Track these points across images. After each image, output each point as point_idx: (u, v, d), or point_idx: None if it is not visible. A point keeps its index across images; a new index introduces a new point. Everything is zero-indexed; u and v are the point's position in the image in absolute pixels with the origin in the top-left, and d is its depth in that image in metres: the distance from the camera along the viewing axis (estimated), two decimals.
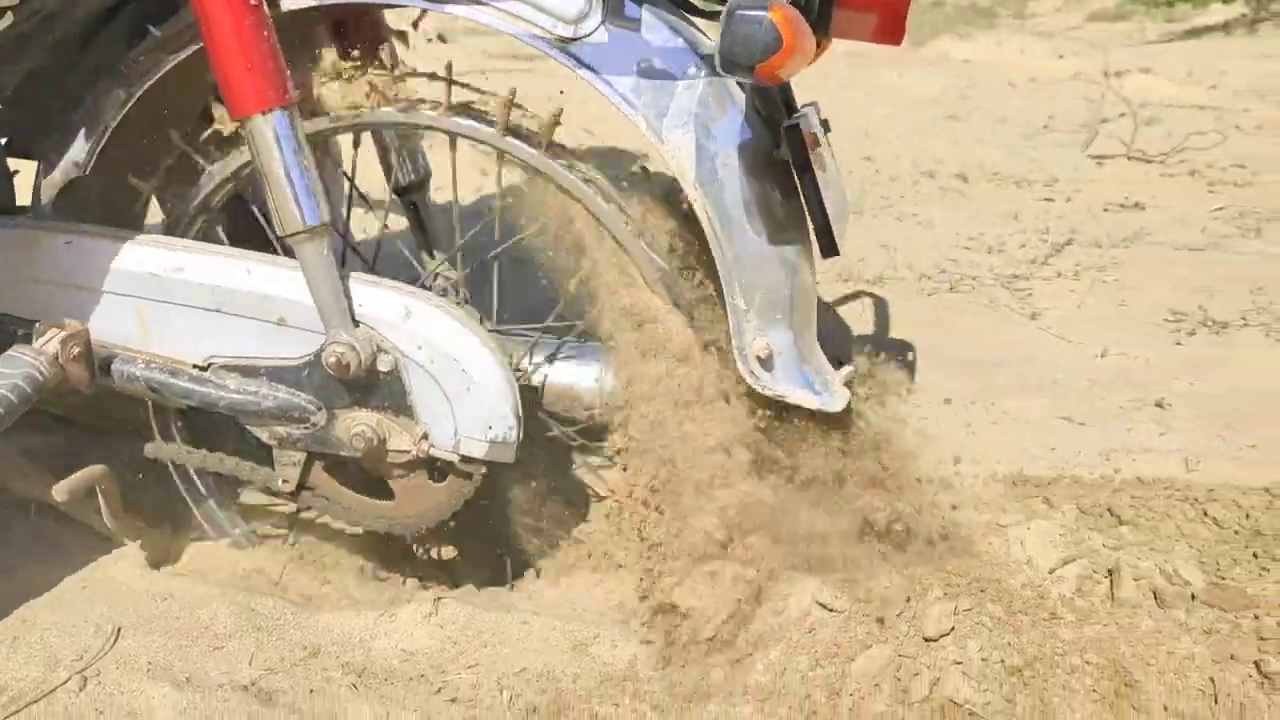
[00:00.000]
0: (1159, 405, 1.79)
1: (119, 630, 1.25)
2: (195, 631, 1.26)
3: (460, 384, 1.17)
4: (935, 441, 1.68)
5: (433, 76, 1.23)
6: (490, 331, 1.23)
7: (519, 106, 1.19)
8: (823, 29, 1.09)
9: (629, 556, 1.29)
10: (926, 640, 1.23)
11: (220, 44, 1.07)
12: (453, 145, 1.23)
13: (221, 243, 1.28)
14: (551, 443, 1.33)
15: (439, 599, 1.29)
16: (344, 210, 1.45)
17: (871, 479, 1.29)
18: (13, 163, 1.34)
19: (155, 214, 1.30)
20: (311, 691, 1.19)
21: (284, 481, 1.29)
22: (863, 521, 1.28)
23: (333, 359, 1.16)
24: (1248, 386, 1.85)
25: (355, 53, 1.22)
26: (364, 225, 1.88)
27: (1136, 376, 1.89)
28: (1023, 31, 6.23)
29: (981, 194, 3.10)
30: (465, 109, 1.20)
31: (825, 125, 1.18)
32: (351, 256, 1.42)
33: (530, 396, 1.26)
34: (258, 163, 1.13)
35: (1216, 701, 1.14)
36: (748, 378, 1.18)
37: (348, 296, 1.17)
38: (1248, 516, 1.40)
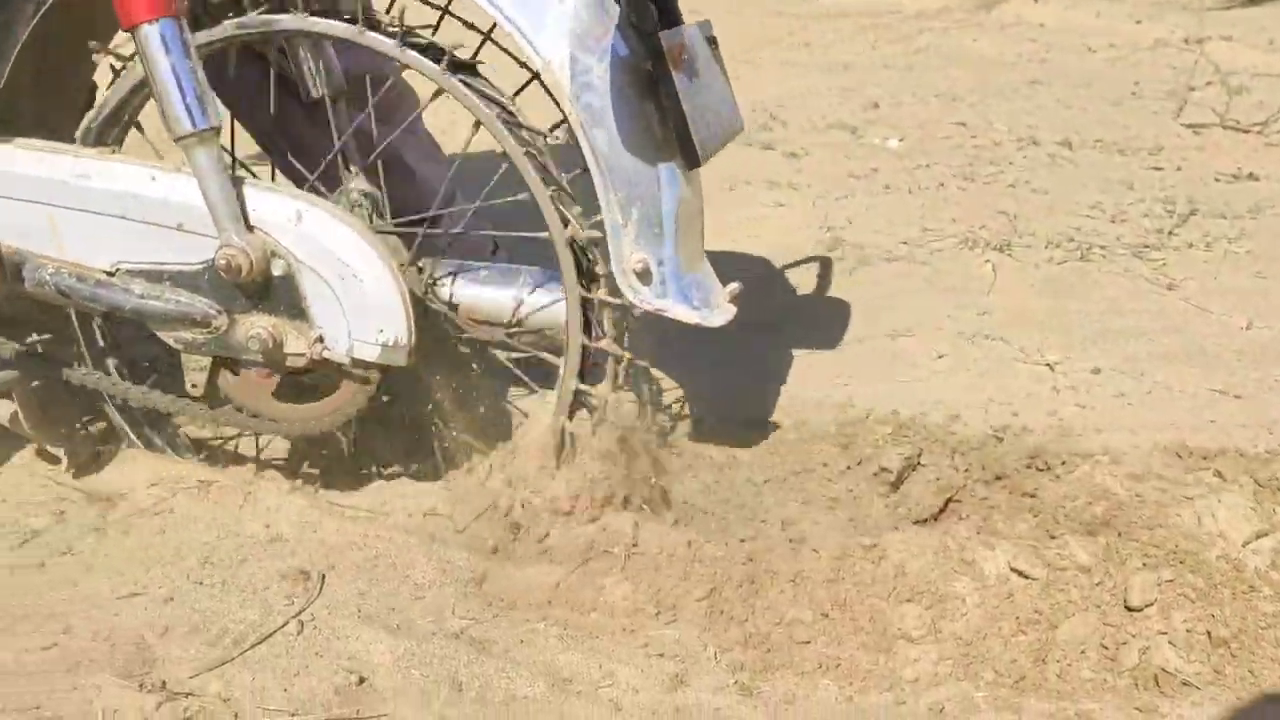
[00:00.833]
0: None
1: (324, 576, 1.27)
2: (395, 579, 1.28)
3: (351, 287, 1.17)
4: (1091, 411, 1.68)
5: None
6: (379, 233, 1.23)
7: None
8: None
9: None
10: (1130, 610, 1.23)
11: None
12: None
13: None
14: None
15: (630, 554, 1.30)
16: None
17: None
18: None
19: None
20: (521, 641, 1.21)
21: (192, 385, 1.33)
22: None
23: (223, 261, 1.17)
24: None
25: None
26: None
27: None
28: None
29: (1089, 161, 3.05)
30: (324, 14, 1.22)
31: (712, 41, 1.20)
32: None
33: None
34: (146, 69, 1.14)
35: None
36: (626, 292, 1.18)
37: (241, 201, 1.18)
38: None
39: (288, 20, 1.22)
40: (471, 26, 1.28)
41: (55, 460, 1.43)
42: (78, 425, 1.46)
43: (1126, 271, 2.19)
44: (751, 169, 2.96)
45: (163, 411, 1.41)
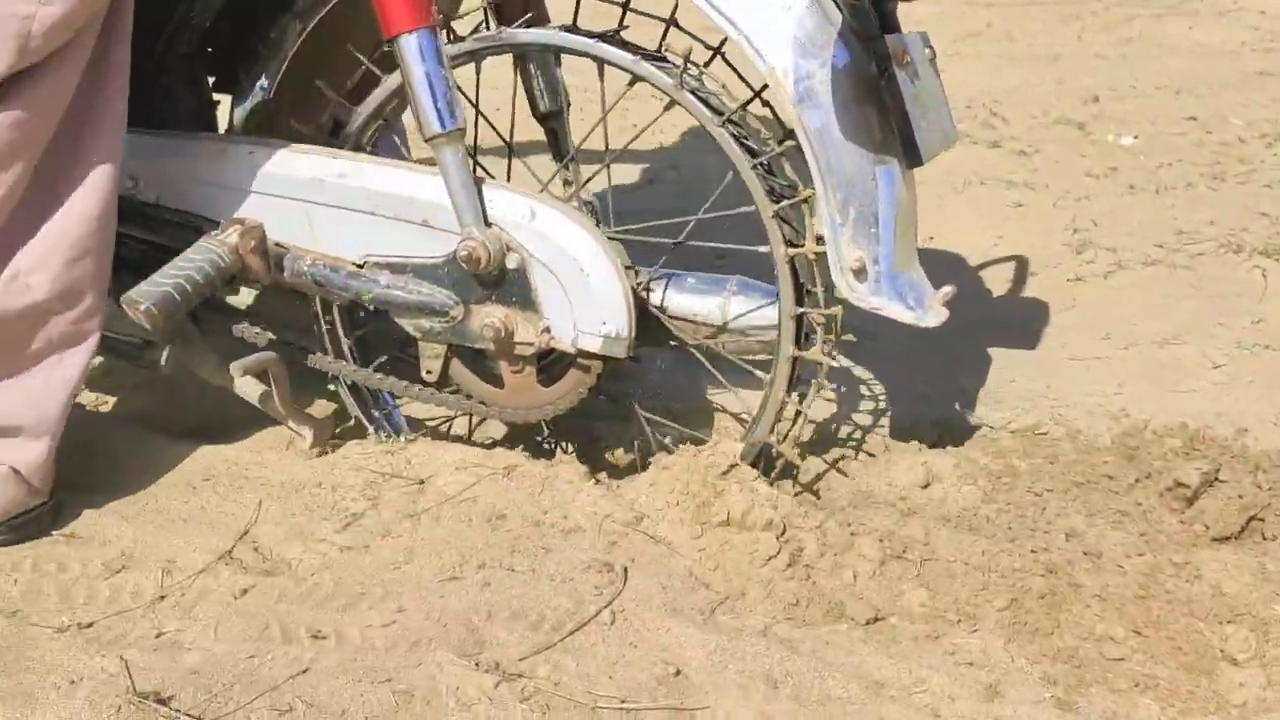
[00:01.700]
0: None
1: (626, 569, 1.32)
2: (681, 574, 1.31)
3: (578, 282, 1.27)
4: None
5: None
6: (609, 237, 1.31)
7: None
8: None
9: None
10: None
11: None
12: (601, 73, 1.35)
13: None
14: None
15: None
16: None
17: None
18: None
19: None
20: (826, 643, 1.23)
21: (428, 372, 1.42)
22: None
23: (464, 253, 1.28)
24: None
25: None
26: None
27: None
28: None
29: None
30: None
31: (931, 50, 1.25)
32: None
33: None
34: (404, 75, 1.25)
35: None
36: (843, 289, 1.23)
37: (480, 199, 1.29)
38: None
39: (526, 34, 1.33)
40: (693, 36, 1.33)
41: (302, 438, 1.53)
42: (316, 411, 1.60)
43: None
44: (981, 168, 2.90)
45: (397, 395, 1.50)
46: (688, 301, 1.38)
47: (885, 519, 1.37)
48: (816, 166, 1.20)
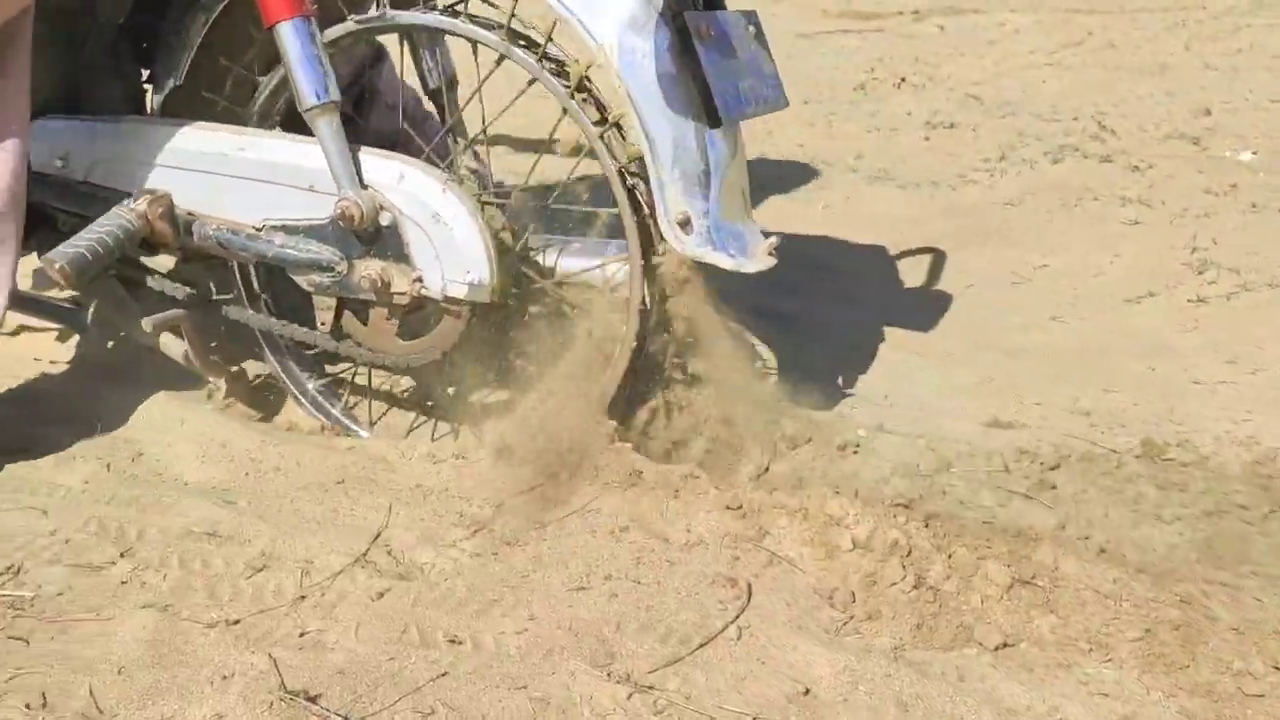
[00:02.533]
0: None
1: (750, 585, 1.32)
2: (816, 597, 1.31)
3: (444, 236, 1.40)
4: None
5: None
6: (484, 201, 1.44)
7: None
8: None
9: None
10: None
11: None
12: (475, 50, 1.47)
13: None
14: None
15: None
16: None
17: None
18: None
19: None
20: (955, 666, 1.22)
21: (321, 324, 1.55)
22: None
23: (339, 211, 1.41)
24: None
25: None
26: None
27: None
28: None
29: None
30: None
31: (756, 28, 1.45)
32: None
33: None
34: (282, 56, 1.41)
35: None
36: (670, 240, 1.35)
37: (356, 163, 1.43)
38: None
39: (404, 16, 1.46)
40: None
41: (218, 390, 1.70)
42: (235, 365, 1.74)
43: None
44: (1094, 183, 2.85)
45: (299, 341, 1.64)
46: (574, 264, 1.52)
47: (1010, 543, 1.35)
48: (642, 130, 1.33)
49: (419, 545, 1.38)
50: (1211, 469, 1.57)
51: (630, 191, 1.42)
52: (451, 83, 1.73)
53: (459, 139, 1.68)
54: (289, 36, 1.40)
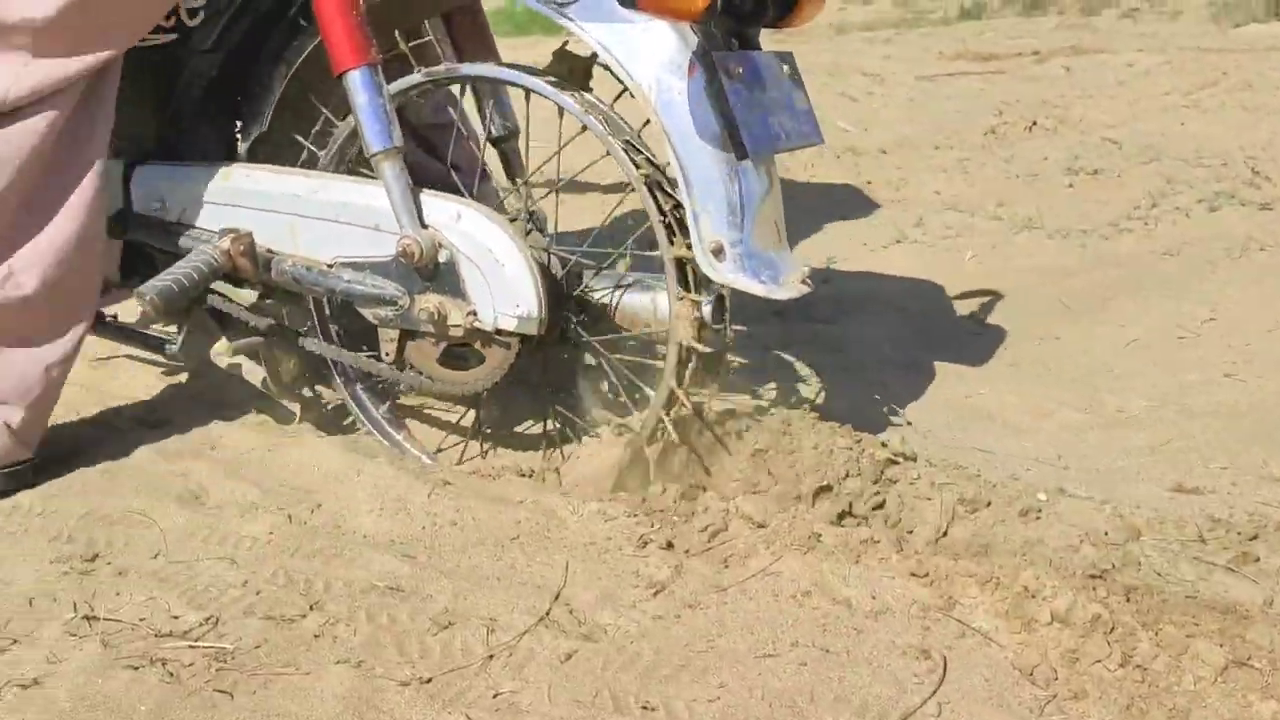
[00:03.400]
0: None
1: (945, 659, 1.29)
2: (1015, 674, 1.25)
3: (496, 272, 1.49)
4: None
5: None
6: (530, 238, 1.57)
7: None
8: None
9: None
10: None
11: (325, 24, 1.50)
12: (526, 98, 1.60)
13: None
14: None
15: None
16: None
17: None
18: None
19: None
20: None
21: (386, 354, 1.66)
22: None
23: (401, 249, 1.52)
24: None
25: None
26: None
27: None
28: None
29: None
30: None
31: (792, 67, 1.51)
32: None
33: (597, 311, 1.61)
34: (350, 103, 1.52)
35: None
36: (705, 267, 1.41)
37: (417, 204, 1.53)
38: None
39: (468, 68, 1.59)
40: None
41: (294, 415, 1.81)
42: (310, 391, 1.86)
43: None
44: (1256, 232, 2.75)
45: (365, 371, 1.73)
46: (628, 299, 1.60)
47: (1220, 620, 1.29)
48: (678, 164, 1.41)
49: (600, 605, 1.37)
50: None
51: (668, 230, 1.49)
52: (514, 131, 1.83)
53: (517, 181, 1.81)
54: (356, 85, 1.50)
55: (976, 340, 2.28)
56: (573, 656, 1.27)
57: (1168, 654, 1.24)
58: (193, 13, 1.61)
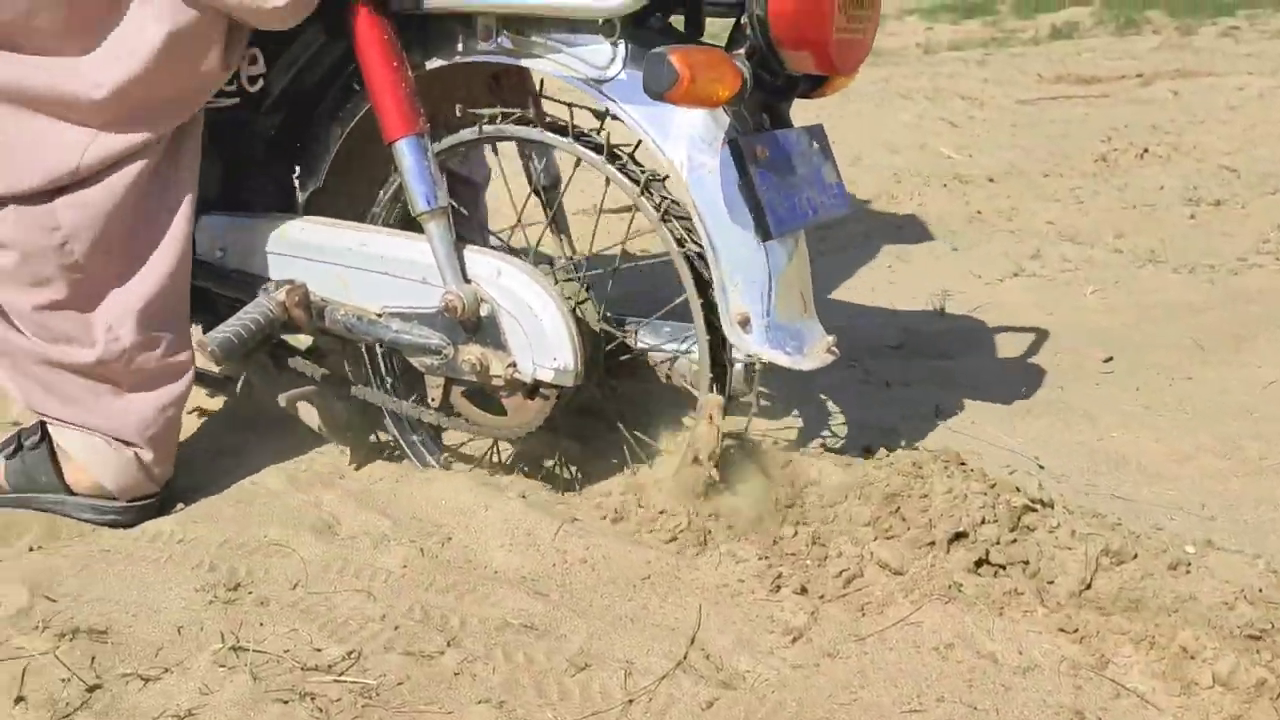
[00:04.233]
0: None
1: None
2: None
3: (534, 326, 1.55)
4: None
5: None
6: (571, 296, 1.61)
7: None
8: (777, 64, 1.40)
9: None
10: None
11: (375, 96, 1.58)
12: (577, 163, 1.62)
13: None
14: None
15: None
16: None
17: None
18: None
19: None
20: None
21: (432, 400, 1.73)
22: None
23: (444, 303, 1.58)
24: None
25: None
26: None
27: None
28: None
29: None
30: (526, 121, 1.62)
31: (819, 139, 1.56)
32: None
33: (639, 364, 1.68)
34: (399, 167, 1.59)
35: None
36: (732, 338, 1.47)
37: (460, 260, 1.59)
38: None
39: (514, 130, 1.62)
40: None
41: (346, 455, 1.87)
42: (366, 434, 1.91)
43: None
44: None
45: (413, 416, 1.79)
46: (661, 345, 1.67)
47: None
48: (708, 238, 1.46)
49: (736, 651, 1.36)
50: None
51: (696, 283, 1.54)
52: (556, 182, 1.90)
53: (562, 235, 1.90)
54: (404, 152, 1.57)
55: (1105, 379, 2.21)
56: (714, 705, 1.26)
57: None
58: (253, 80, 1.71)
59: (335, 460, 1.89)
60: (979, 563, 1.52)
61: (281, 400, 1.78)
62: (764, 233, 1.43)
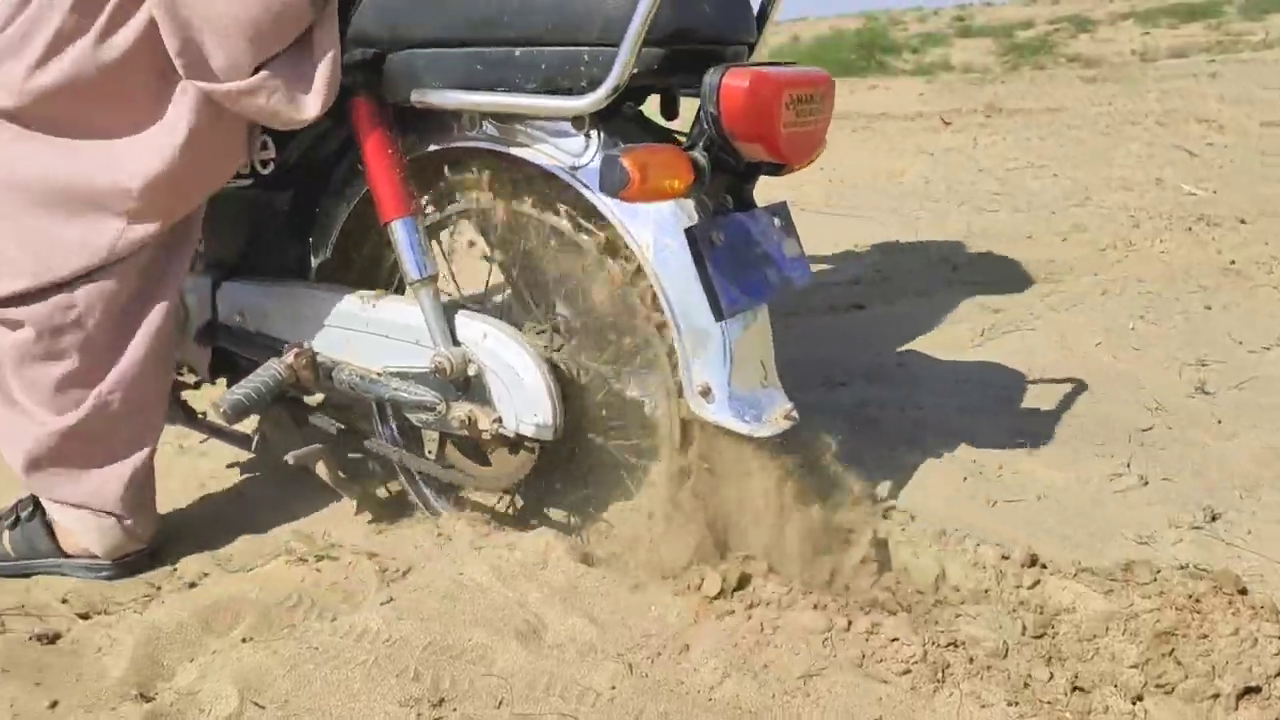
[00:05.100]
0: None
1: None
2: None
3: (516, 384, 1.67)
4: None
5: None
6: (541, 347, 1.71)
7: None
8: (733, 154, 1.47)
9: None
10: None
11: (372, 181, 1.71)
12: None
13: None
14: None
15: None
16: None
17: None
18: None
19: None
20: None
21: (429, 451, 1.84)
22: None
23: (434, 365, 1.69)
24: None
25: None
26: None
27: None
28: None
29: None
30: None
31: (782, 217, 1.64)
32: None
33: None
34: (394, 245, 1.71)
35: None
36: (693, 407, 1.54)
37: (450, 324, 1.72)
38: None
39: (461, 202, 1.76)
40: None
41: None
42: (375, 486, 2.05)
43: None
44: None
45: (413, 468, 1.92)
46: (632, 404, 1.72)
47: None
48: (671, 314, 1.54)
49: None
50: None
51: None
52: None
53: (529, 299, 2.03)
54: (397, 231, 1.71)
55: None
56: None
57: None
58: (264, 163, 1.87)
59: (536, 544, 1.82)
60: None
61: (289, 459, 1.91)
62: (717, 313, 1.51)
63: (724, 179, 1.56)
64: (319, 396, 2.02)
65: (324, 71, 1.60)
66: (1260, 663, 1.31)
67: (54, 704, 1.51)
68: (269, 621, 1.69)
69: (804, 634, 1.52)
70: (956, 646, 1.42)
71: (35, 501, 1.85)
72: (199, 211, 1.79)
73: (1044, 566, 1.57)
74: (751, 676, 1.43)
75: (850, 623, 1.49)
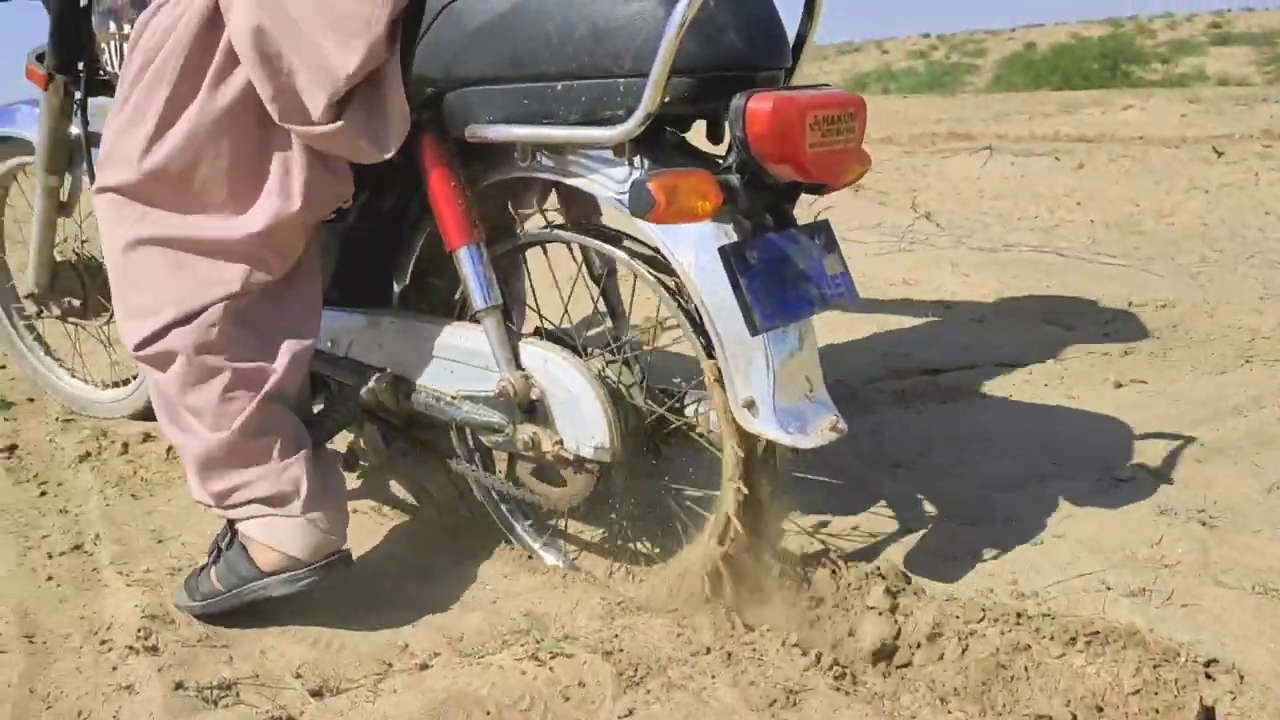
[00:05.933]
0: None
1: None
2: None
3: (575, 408, 1.74)
4: None
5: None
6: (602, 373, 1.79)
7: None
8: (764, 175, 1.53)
9: None
10: None
11: (436, 211, 1.81)
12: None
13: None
14: None
15: None
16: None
17: None
18: None
19: None
20: None
21: (500, 471, 1.96)
22: None
23: (498, 390, 1.78)
24: None
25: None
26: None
27: None
28: None
29: None
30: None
31: (823, 235, 1.65)
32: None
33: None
34: (459, 272, 1.80)
35: None
36: (739, 419, 1.60)
37: (514, 350, 1.80)
38: None
39: (567, 235, 1.86)
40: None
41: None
42: (451, 498, 2.17)
43: None
44: None
45: (484, 485, 2.02)
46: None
47: None
48: (714, 329, 1.59)
49: None
50: None
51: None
52: (612, 270, 2.05)
53: (615, 320, 2.08)
54: (462, 259, 1.80)
55: None
56: None
57: None
58: (346, 199, 1.91)
59: (791, 674, 1.59)
60: None
61: (378, 463, 2.09)
62: (751, 328, 1.54)
63: (763, 199, 1.59)
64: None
65: (397, 109, 1.68)
66: None
67: None
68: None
69: None
70: None
71: (230, 530, 1.86)
72: (313, 239, 1.89)
73: None
74: None
75: None
